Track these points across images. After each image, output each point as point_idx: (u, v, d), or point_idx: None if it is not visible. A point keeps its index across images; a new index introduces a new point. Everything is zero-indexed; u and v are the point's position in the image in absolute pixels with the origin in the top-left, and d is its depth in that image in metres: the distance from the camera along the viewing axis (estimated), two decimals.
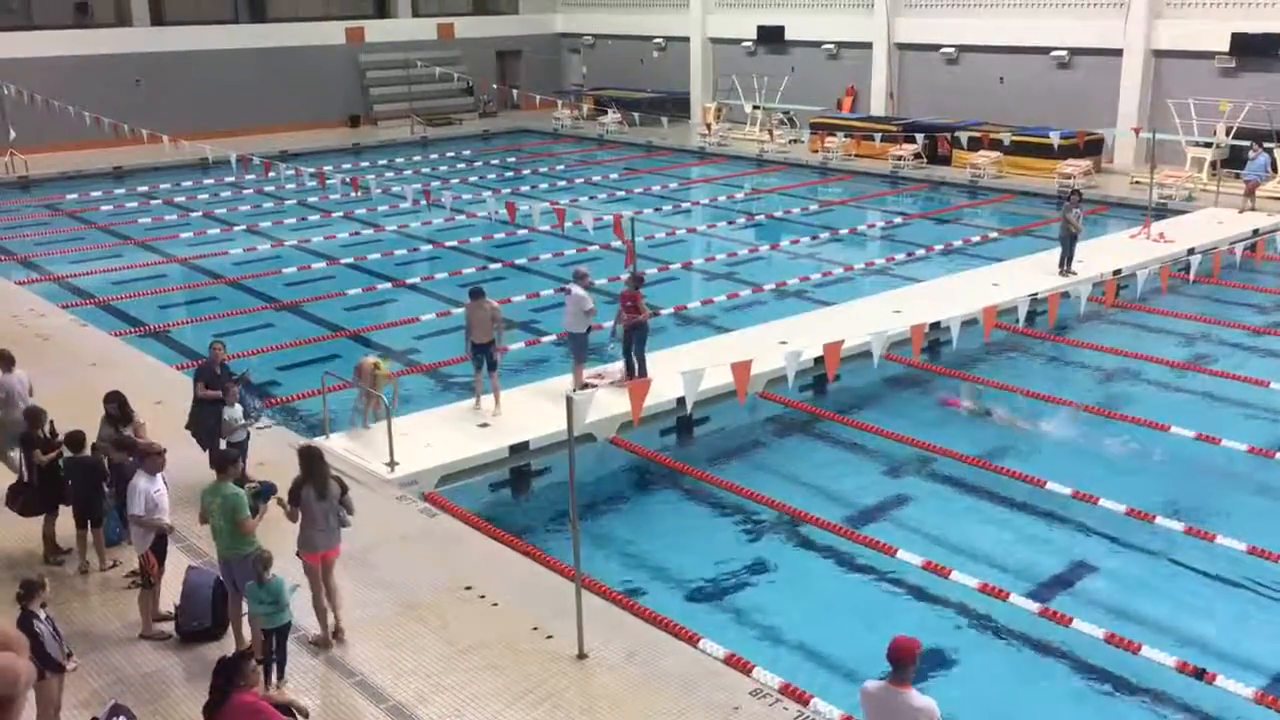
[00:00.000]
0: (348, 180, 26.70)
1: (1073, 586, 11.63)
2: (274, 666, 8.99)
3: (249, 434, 12.19)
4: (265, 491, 9.94)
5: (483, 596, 10.50)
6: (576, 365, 15.56)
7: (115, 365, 16.74)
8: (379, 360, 14.62)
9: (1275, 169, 27.62)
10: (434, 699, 8.98)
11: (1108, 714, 9.74)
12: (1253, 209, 26.32)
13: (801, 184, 33.86)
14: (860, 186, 33.30)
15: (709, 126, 40.38)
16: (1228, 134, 29.00)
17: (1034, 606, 10.91)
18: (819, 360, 14.99)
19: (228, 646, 9.46)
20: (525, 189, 32.87)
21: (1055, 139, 29.15)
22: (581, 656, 9.49)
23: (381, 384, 13.97)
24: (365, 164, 37.54)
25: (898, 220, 29.36)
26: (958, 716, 8.30)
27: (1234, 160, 28.68)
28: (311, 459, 9.66)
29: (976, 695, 9.58)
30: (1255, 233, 23.87)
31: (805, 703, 9.16)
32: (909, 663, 6.76)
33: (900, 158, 33.68)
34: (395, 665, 9.43)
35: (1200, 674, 9.74)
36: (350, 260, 24.92)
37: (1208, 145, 29.25)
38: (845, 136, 35.48)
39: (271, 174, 27.75)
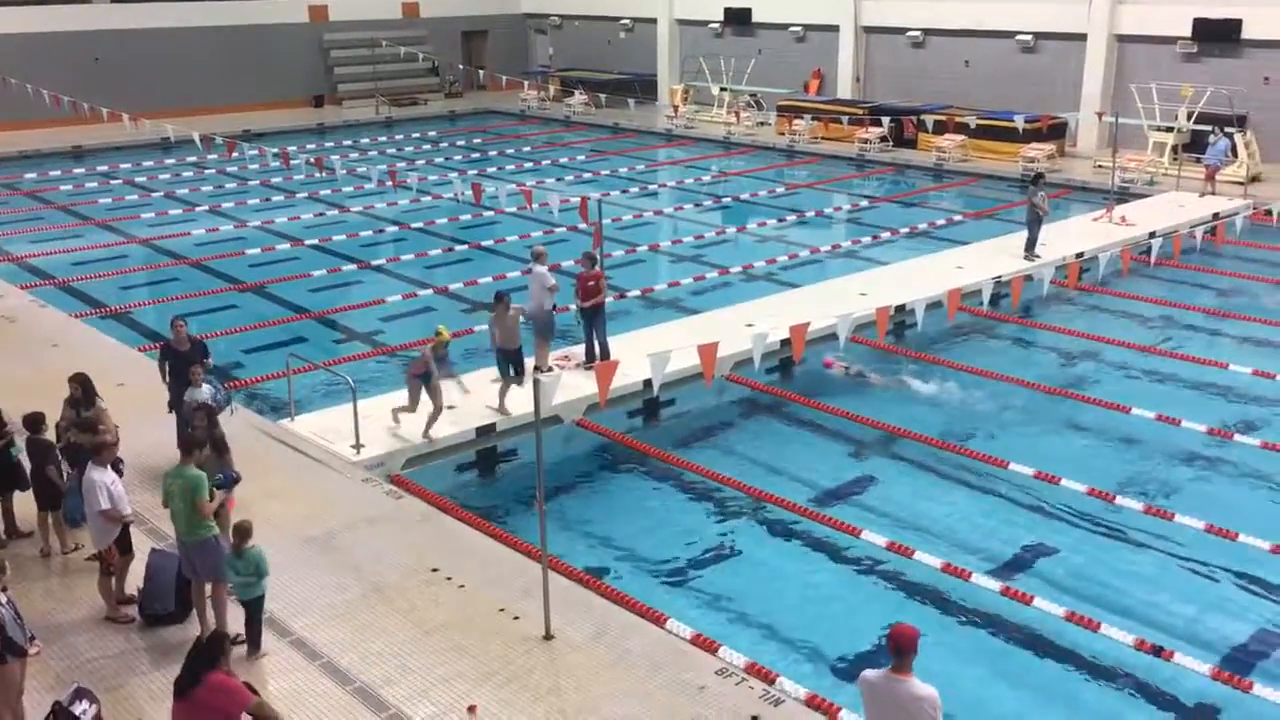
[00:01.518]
0: (312, 161, 26.47)
1: (1034, 566, 11.78)
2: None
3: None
4: (226, 481, 9.89)
5: (449, 578, 10.49)
6: (541, 344, 15.55)
7: (76, 346, 16.55)
8: (440, 329, 13.83)
9: (1235, 153, 27.91)
10: (400, 680, 8.98)
11: (1067, 691, 9.87)
12: (1213, 193, 26.62)
13: (768, 166, 33.91)
14: (827, 169, 33.39)
15: (676, 109, 40.30)
16: (1189, 118, 29.28)
17: (996, 586, 11.04)
18: (785, 343, 15.08)
19: (192, 630, 9.40)
20: (491, 170, 32.74)
21: (1020, 123, 29.35)
22: (548, 637, 9.52)
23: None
24: (330, 144, 37.18)
25: (864, 203, 29.48)
26: None
27: (1195, 144, 28.98)
28: (212, 412, 11.05)
29: (939, 674, 9.66)
30: (1215, 216, 24.17)
31: (771, 681, 9.24)
32: (911, 651, 6.75)
33: (866, 141, 33.79)
34: (361, 647, 9.41)
35: (1158, 651, 9.91)
36: (315, 241, 24.72)
37: (1169, 130, 29.52)
38: (812, 119, 35.53)
39: (235, 154, 27.44)
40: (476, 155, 36.19)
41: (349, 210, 28.06)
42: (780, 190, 30.75)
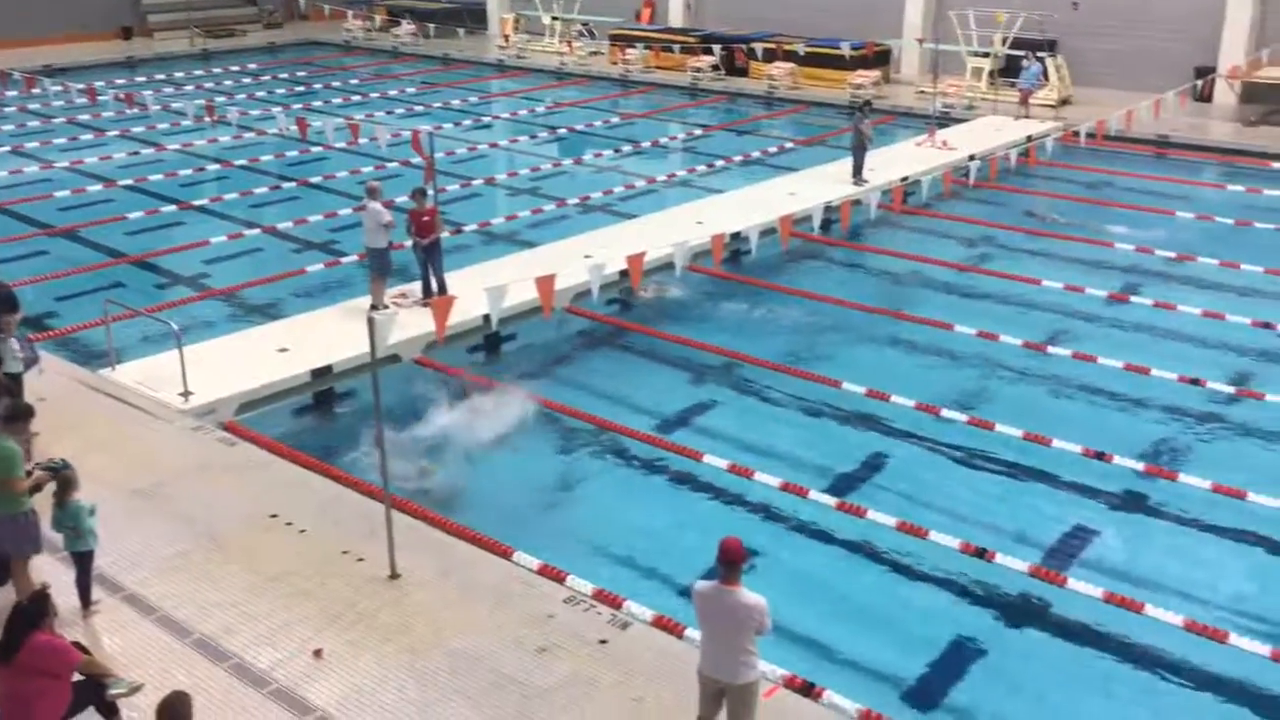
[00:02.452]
0: (122, 97, 25.10)
1: (867, 480, 12.26)
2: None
3: (24, 368, 11.43)
4: (60, 469, 9.33)
5: (289, 524, 10.28)
6: (376, 281, 15.27)
7: None
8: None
9: (1047, 77, 29.12)
10: (242, 629, 8.79)
11: (898, 595, 10.36)
12: (1027, 116, 27.78)
13: (602, 97, 33.72)
14: (660, 99, 33.41)
15: (507, 38, 39.63)
16: (1004, 44, 30.36)
17: (831, 501, 11.46)
18: (624, 273, 15.16)
19: (13, 593, 8.97)
20: (317, 104, 31.62)
21: (846, 50, 29.92)
22: (394, 577, 9.45)
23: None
24: (141, 79, 35.27)
25: (698, 132, 29.65)
26: None
27: (1010, 70, 30.08)
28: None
29: (777, 586, 10.00)
30: (1029, 139, 25.23)
31: (618, 606, 9.41)
32: (738, 561, 6.99)
33: (699, 70, 33.91)
34: (198, 598, 9.16)
35: (981, 553, 10.48)
36: (130, 182, 23.51)
37: (986, 55, 30.57)
38: (644, 48, 35.44)
39: (35, 90, 25.78)
40: (301, 89, 34.88)
41: (165, 148, 26.71)
42: (615, 121, 30.66)
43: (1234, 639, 9.31)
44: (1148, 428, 13.36)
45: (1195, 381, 14.07)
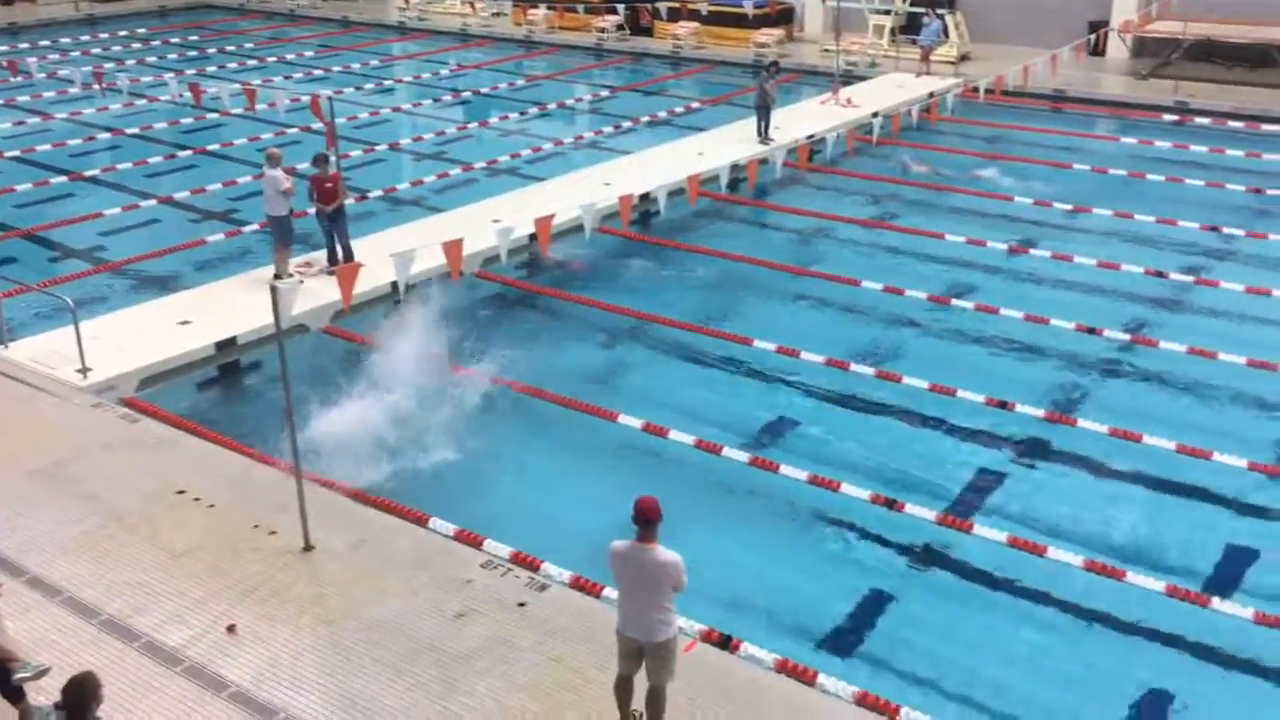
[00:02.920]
0: (4, 64, 24.08)
1: (780, 435, 12.43)
2: None
3: None
4: None
5: (197, 499, 10.08)
6: (280, 250, 14.96)
7: None
8: None
9: (947, 34, 29.52)
10: (152, 608, 8.62)
11: (812, 546, 10.56)
12: (928, 73, 28.13)
13: (507, 59, 33.32)
14: (566, 60, 33.12)
15: (408, 0, 38.82)
16: (904, 1, 30.64)
17: (745, 457, 11.60)
18: (534, 237, 15.07)
19: None
20: (211, 70, 30.75)
21: (749, 8, 29.92)
22: (308, 549, 9.34)
23: None
24: (25, 46, 33.89)
25: (604, 93, 29.49)
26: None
27: (911, 27, 30.41)
28: None
29: (694, 545, 10.12)
30: (930, 95, 25.56)
31: (535, 569, 9.43)
32: (654, 519, 7.02)
33: (603, 30, 33.67)
34: (104, 578, 8.96)
35: (891, 504, 10.71)
36: (16, 153, 22.66)
37: (887, 13, 30.84)
38: (548, 9, 35.06)
39: None
40: (194, 53, 33.87)
41: (52, 118, 25.75)
42: (521, 83, 30.33)
43: (1131, 576, 9.67)
44: (1048, 376, 13.74)
45: (1092, 330, 14.50)
